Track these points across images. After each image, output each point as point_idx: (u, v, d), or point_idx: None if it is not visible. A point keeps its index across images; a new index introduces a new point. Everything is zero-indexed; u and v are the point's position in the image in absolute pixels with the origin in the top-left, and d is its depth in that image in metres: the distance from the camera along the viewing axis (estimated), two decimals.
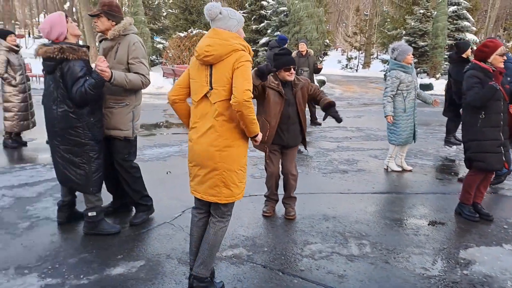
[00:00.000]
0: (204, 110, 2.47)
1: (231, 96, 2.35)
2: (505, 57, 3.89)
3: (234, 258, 3.14)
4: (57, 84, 3.07)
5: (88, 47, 3.20)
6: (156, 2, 24.70)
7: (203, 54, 2.39)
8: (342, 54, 38.48)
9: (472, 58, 4.15)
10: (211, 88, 2.42)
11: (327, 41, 21.73)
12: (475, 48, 4.52)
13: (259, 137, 2.53)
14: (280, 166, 3.94)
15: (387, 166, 5.70)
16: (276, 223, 3.83)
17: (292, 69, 3.64)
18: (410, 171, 5.63)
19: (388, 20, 27.46)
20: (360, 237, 3.56)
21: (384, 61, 23.50)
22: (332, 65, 27.36)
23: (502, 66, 3.81)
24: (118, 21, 3.32)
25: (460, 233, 3.71)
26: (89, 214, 3.37)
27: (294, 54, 8.06)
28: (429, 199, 4.60)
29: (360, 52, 32.06)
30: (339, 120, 3.66)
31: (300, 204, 4.10)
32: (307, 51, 8.51)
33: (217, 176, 2.47)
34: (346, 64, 29.21)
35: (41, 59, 3.11)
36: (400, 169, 5.66)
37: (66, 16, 3.17)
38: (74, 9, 39.51)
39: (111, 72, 3.10)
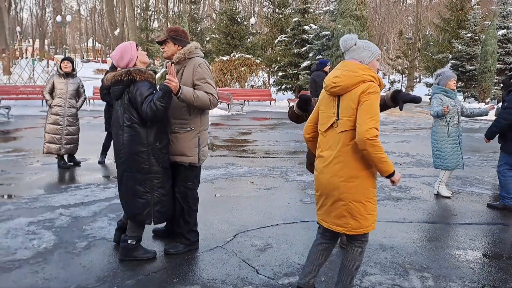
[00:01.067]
0: (330, 140, 2.53)
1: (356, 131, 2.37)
2: None
3: (290, 286, 3.04)
4: (125, 109, 3.13)
5: (155, 72, 3.29)
6: (199, 28, 25.54)
7: (330, 85, 2.48)
8: (383, 77, 38.01)
9: None
10: (338, 118, 2.47)
11: None
12: None
13: (396, 177, 2.48)
14: None
15: (437, 192, 5.51)
16: (332, 251, 3.71)
17: None
18: (449, 197, 5.43)
19: (431, 43, 26.92)
20: (421, 269, 3.37)
21: (428, 85, 22.95)
22: None
23: None
24: (184, 45, 3.35)
25: None
26: (129, 242, 3.31)
27: None
28: (491, 231, 4.33)
29: (404, 75, 31.52)
30: (417, 99, 2.75)
31: None
32: None
33: (343, 207, 2.48)
34: (389, 88, 28.76)
35: (108, 86, 3.22)
36: (450, 194, 5.47)
37: (137, 45, 3.28)
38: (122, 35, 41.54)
39: (179, 85, 3.10)
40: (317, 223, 2.73)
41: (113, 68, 4.72)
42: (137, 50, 3.23)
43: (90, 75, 30.84)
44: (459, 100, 5.49)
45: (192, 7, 27.01)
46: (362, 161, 2.44)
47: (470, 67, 19.58)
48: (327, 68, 8.29)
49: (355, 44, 2.51)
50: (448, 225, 4.51)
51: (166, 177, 3.29)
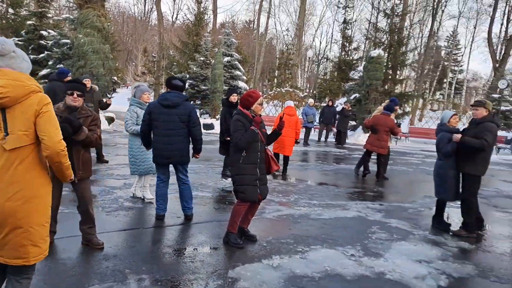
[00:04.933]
0: None
1: (42, 146, 2.22)
2: (262, 107, 4.71)
3: None
4: None
5: None
6: None
7: None
8: None
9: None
10: (7, 134, 2.16)
11: (115, 78, 21.42)
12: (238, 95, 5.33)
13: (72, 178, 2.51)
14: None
15: (143, 196, 6.01)
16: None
17: (75, 93, 3.87)
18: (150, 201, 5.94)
19: (175, 63, 29.09)
20: (139, 272, 3.61)
21: None
22: (122, 102, 26.93)
23: (260, 113, 4.59)
24: None
25: (230, 255, 4.20)
26: None
27: None
28: (207, 227, 5.04)
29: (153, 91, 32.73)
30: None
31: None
32: (91, 86, 8.30)
33: (23, 234, 2.19)
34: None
35: None
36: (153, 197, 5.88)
37: None
38: None
39: None
40: None
41: None
42: None
43: None
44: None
45: None
46: (40, 178, 2.30)
47: (204, 87, 22.19)
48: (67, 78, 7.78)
49: (14, 51, 2.28)
50: (171, 227, 4.98)
51: None
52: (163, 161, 5.08)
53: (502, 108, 24.12)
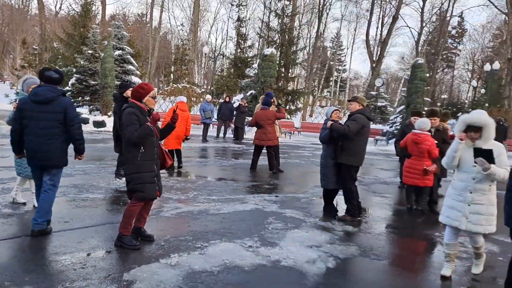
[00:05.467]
0: None
1: None
2: (156, 100, 4.57)
3: None
4: None
5: None
6: None
7: None
8: (11, 88, 34.25)
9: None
10: None
11: None
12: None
13: None
14: None
15: (14, 198, 5.53)
16: None
17: None
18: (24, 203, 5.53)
19: (60, 56, 26.78)
20: (21, 283, 3.27)
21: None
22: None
23: (154, 107, 4.45)
24: None
25: (125, 258, 4.02)
26: None
27: None
28: (99, 231, 4.75)
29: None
30: None
31: None
32: None
33: None
34: (16, 99, 26.30)
35: None
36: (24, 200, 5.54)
37: None
38: None
39: None
40: None
41: None
42: None
43: None
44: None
45: None
46: None
47: (93, 82, 20.80)
48: None
49: None
50: (48, 235, 4.58)
51: None
52: (36, 164, 4.50)
53: (379, 104, 26.90)
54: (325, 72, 53.05)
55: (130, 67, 22.35)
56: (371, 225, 5.95)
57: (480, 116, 3.81)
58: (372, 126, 23.30)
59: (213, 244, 4.50)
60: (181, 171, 8.95)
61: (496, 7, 34.73)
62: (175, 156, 8.87)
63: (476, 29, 50.43)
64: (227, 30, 66.71)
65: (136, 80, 21.76)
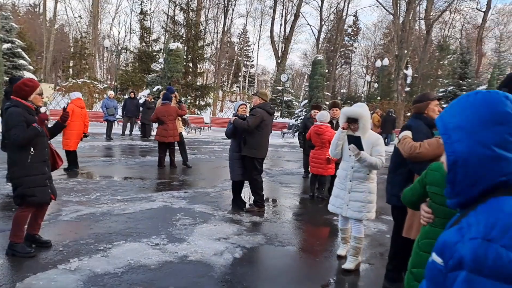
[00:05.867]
0: None
1: None
2: (42, 97, 4.24)
3: None
4: None
5: None
6: None
7: None
8: None
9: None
10: None
11: None
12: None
13: None
14: None
15: None
16: None
17: None
18: None
19: None
20: None
21: None
22: None
23: (41, 104, 4.14)
24: None
25: (18, 266, 3.71)
26: None
27: None
28: None
29: None
30: None
31: None
32: None
33: None
34: None
35: None
36: None
37: None
38: None
39: None
40: None
41: None
42: None
43: None
44: None
45: None
46: None
47: None
48: None
49: None
50: None
51: None
52: None
53: (285, 98, 27.98)
54: (233, 68, 53.67)
55: (22, 61, 20.38)
56: (277, 214, 6.23)
57: (356, 109, 4.13)
58: (279, 120, 24.35)
59: (117, 246, 4.35)
60: (82, 172, 8.45)
61: (384, 8, 38.09)
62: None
63: (369, 27, 54.90)
64: (130, 23, 64.01)
65: (29, 75, 19.90)
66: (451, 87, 23.42)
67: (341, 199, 4.12)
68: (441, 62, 34.73)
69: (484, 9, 36.10)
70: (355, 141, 3.84)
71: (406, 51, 30.33)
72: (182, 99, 11.33)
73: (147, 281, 3.57)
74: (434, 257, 1.05)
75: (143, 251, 4.23)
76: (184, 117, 9.89)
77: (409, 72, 29.32)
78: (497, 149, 1.00)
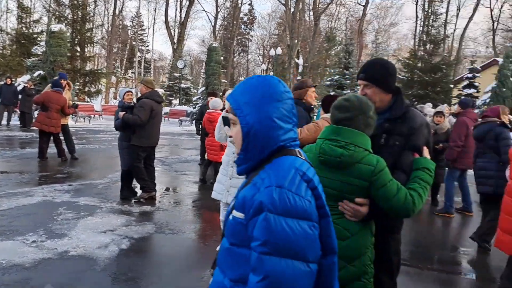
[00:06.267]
0: None
1: None
2: None
3: None
4: None
5: None
6: None
7: None
8: None
9: None
10: None
11: None
12: None
13: None
14: None
15: None
16: None
17: None
18: None
19: None
20: None
21: None
22: None
23: None
24: None
25: None
26: None
27: None
28: None
29: None
30: None
31: None
32: None
33: None
34: None
35: None
36: None
37: None
38: None
39: None
40: None
41: None
42: None
43: None
44: None
45: None
46: None
47: None
48: None
49: None
50: None
51: None
52: None
53: (183, 85, 27.56)
54: (127, 52, 51.09)
55: None
56: (169, 202, 6.21)
57: None
58: (177, 107, 23.94)
59: None
60: None
61: None
62: None
63: (264, 17, 56.43)
64: (6, 2, 56.85)
65: None
66: (337, 76, 25.25)
67: (222, 185, 3.97)
68: (328, 53, 37.17)
69: (363, 3, 39.54)
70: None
71: (296, 41, 31.88)
72: (76, 103, 10.50)
73: (21, 281, 3.33)
74: (234, 213, 1.26)
75: (17, 250, 3.92)
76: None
77: (300, 61, 30.88)
78: (277, 120, 1.26)
